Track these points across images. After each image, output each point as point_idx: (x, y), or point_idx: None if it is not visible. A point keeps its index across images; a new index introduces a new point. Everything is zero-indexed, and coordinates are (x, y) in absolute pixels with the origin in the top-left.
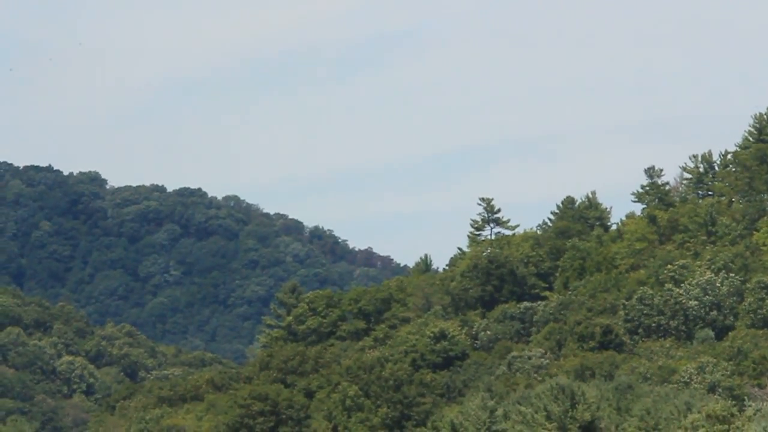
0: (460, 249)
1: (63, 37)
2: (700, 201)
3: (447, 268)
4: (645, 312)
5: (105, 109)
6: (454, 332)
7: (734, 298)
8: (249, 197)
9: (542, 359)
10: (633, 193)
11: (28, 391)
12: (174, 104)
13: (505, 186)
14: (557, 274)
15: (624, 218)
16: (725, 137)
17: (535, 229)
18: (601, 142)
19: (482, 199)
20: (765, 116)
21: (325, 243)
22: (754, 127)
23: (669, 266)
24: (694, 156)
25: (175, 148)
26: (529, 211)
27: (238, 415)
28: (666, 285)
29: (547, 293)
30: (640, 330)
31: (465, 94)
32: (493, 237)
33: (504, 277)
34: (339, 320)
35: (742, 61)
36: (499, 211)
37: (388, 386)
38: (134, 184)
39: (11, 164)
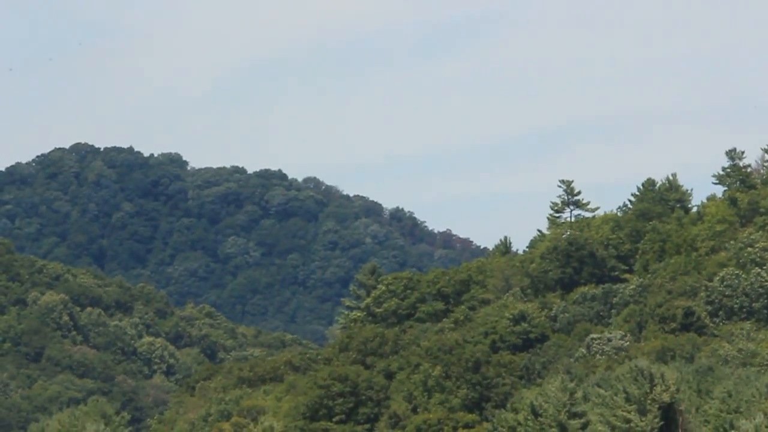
0: (539, 231)
1: (144, 19)
2: None
3: (527, 250)
4: (727, 294)
5: (186, 91)
6: (533, 314)
7: None
8: (329, 179)
9: (622, 341)
10: (714, 176)
11: (108, 372)
12: (255, 86)
13: (585, 168)
14: (637, 257)
15: (705, 200)
16: None
17: (615, 211)
18: (682, 124)
19: (562, 182)
20: None
21: (404, 225)
22: None
23: (750, 249)
24: None
25: (255, 129)
26: (609, 194)
27: (317, 396)
28: (748, 267)
29: (626, 275)
30: (721, 312)
31: (546, 75)
32: (573, 219)
33: (584, 260)
34: (418, 302)
35: None
36: (579, 193)
37: (468, 368)
38: (215, 166)
39: (93, 146)
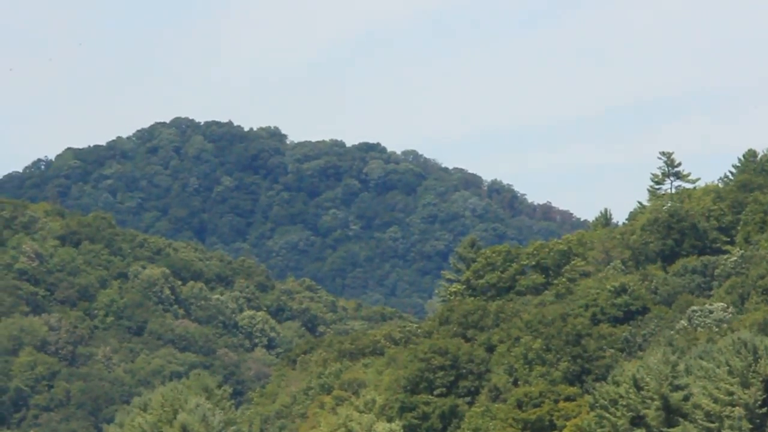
0: (640, 203)
1: None
2: None
3: (627, 222)
4: None
5: (285, 65)
6: (634, 286)
7: None
8: (428, 151)
9: (724, 313)
10: None
11: (210, 345)
12: (354, 59)
13: (686, 139)
14: (739, 228)
15: None
16: None
17: (716, 182)
18: None
19: (662, 153)
20: None
21: (503, 197)
22: None
23: None
24: None
25: (354, 102)
26: (710, 165)
27: (418, 369)
28: None
29: (728, 247)
30: None
31: (647, 46)
32: (674, 191)
33: (685, 231)
34: (518, 275)
35: None
36: (679, 164)
37: (569, 340)
38: (314, 140)
39: (193, 120)
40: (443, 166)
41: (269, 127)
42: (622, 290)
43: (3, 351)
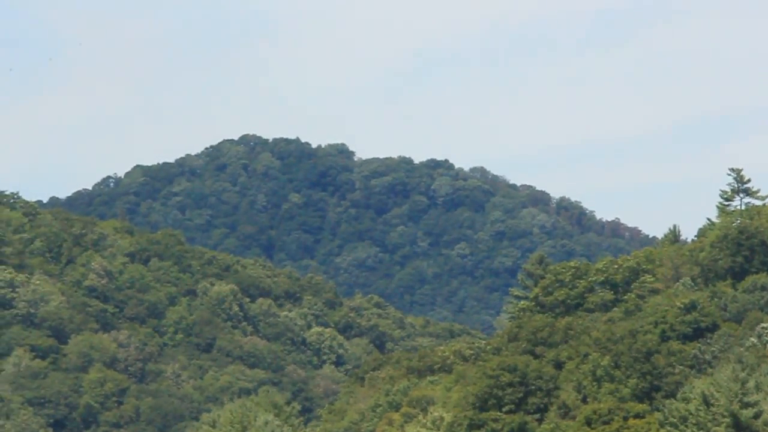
0: (709, 220)
1: (313, 10)
2: None
3: (696, 238)
4: None
5: (353, 82)
6: (703, 303)
7: None
8: (495, 168)
9: None
10: None
11: (278, 362)
12: (422, 75)
13: (755, 155)
14: None
15: None
16: None
17: None
18: None
19: (732, 170)
20: None
21: (571, 214)
22: None
23: None
24: None
25: (422, 119)
26: None
27: (486, 386)
28: None
29: None
30: None
31: (714, 63)
32: (743, 207)
33: (754, 248)
34: (586, 291)
35: None
36: (749, 181)
37: (638, 357)
38: (382, 156)
39: (261, 137)
40: (511, 182)
41: (337, 143)
42: (692, 307)
43: (73, 368)
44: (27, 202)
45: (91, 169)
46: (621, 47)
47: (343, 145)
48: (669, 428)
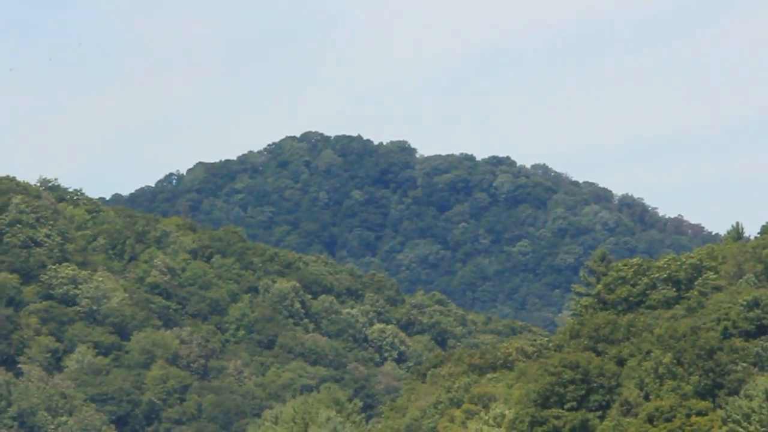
0: None
1: (376, 6)
2: None
3: (759, 235)
4: None
5: (415, 79)
6: (766, 300)
7: None
8: (557, 165)
9: None
10: None
11: (340, 359)
12: (483, 73)
13: None
14: None
15: None
16: None
17: None
18: None
19: None
20: None
21: (634, 211)
22: None
23: None
24: None
25: (484, 116)
26: None
27: (548, 383)
28: None
29: None
30: None
31: None
32: None
33: None
34: (649, 288)
35: None
36: None
37: (701, 355)
38: (443, 153)
39: (323, 134)
40: (573, 179)
41: (399, 140)
42: (755, 304)
43: (135, 364)
44: (90, 200)
45: (153, 167)
46: (682, 43)
47: (404, 142)
48: (732, 425)
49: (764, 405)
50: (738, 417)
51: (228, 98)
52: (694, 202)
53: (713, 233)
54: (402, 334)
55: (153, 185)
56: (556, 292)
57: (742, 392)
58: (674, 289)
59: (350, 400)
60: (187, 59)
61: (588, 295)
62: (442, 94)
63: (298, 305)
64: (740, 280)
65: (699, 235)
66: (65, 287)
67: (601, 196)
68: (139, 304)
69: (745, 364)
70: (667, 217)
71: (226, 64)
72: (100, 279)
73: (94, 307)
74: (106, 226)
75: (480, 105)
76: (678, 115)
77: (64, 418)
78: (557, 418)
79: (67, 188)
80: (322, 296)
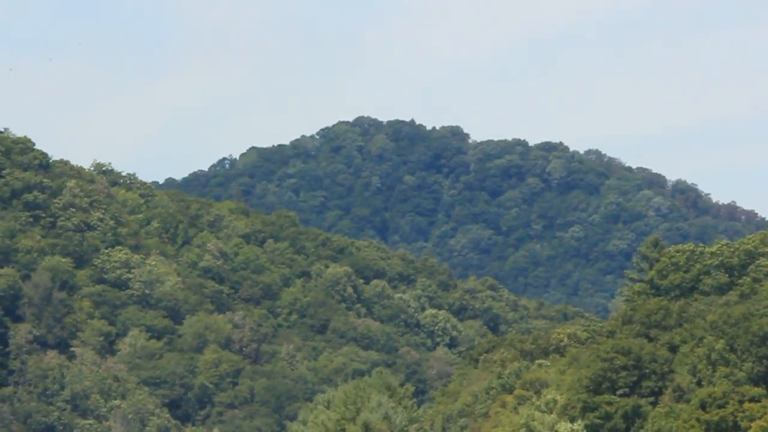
0: None
1: None
2: None
3: None
4: None
5: (468, 64)
6: None
7: None
8: (610, 151)
9: None
10: None
11: (392, 344)
12: (536, 58)
13: None
14: None
15: None
16: None
17: None
18: None
19: None
20: None
21: (687, 197)
22: None
23: None
24: None
25: (537, 102)
26: None
27: (600, 369)
28: None
29: None
30: None
31: None
32: None
33: None
34: (702, 274)
35: None
36: None
37: (754, 341)
38: (496, 139)
39: (376, 119)
40: (626, 165)
41: (451, 125)
42: None
43: (188, 348)
44: (144, 184)
45: (207, 151)
46: (736, 27)
47: (457, 127)
48: None
49: None
50: None
51: (281, 83)
52: (748, 188)
53: (767, 219)
54: (454, 319)
55: (206, 170)
56: (609, 278)
57: None
58: (727, 276)
59: (402, 384)
60: (242, 44)
61: (641, 281)
62: (495, 80)
63: (350, 290)
64: None
65: (752, 221)
66: (118, 271)
67: (654, 181)
68: (192, 288)
69: None
70: (720, 203)
71: (279, 49)
72: (153, 263)
73: (147, 291)
74: (159, 210)
75: (533, 90)
76: (732, 100)
77: (116, 402)
78: (609, 404)
79: (120, 172)
80: (375, 281)
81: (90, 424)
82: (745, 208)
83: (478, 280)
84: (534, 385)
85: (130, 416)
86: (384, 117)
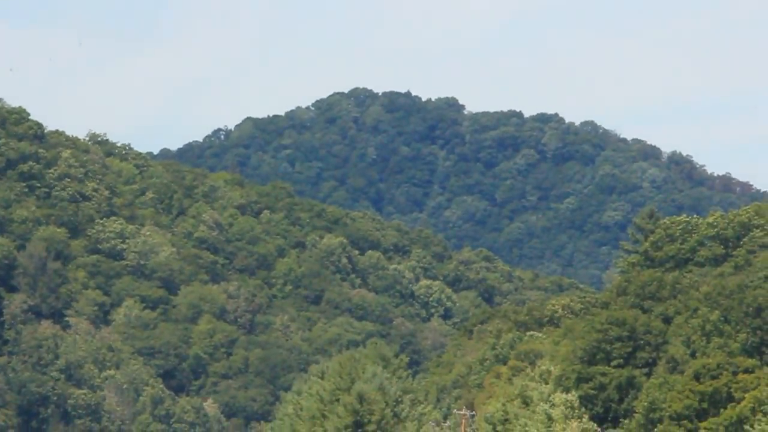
0: None
1: None
2: None
3: None
4: None
5: (462, 35)
6: None
7: None
8: (606, 122)
9: None
10: None
11: (387, 315)
12: (532, 29)
13: None
14: None
15: None
16: None
17: None
18: None
19: None
20: None
21: (682, 168)
22: None
23: None
24: None
25: (532, 73)
26: None
27: (595, 340)
28: None
29: None
30: None
31: None
32: None
33: None
34: (697, 246)
35: None
36: None
37: (748, 312)
38: (491, 110)
39: (371, 90)
40: (621, 136)
41: (447, 97)
42: None
43: (183, 319)
44: (138, 154)
45: (201, 121)
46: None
47: (453, 98)
48: None
49: None
50: None
51: (276, 54)
52: (743, 159)
53: (762, 191)
54: (448, 290)
55: (201, 140)
56: (603, 249)
57: None
58: (722, 247)
59: (396, 355)
60: (237, 14)
61: (635, 252)
62: (490, 51)
63: (345, 261)
64: None
65: (747, 192)
66: (113, 241)
67: (649, 153)
68: (187, 259)
69: None
70: (715, 174)
71: (274, 19)
72: (148, 233)
73: (142, 262)
74: (154, 181)
75: (528, 61)
76: (728, 72)
77: (111, 371)
78: (603, 374)
79: (115, 143)
80: (369, 252)
81: (84, 393)
82: (740, 179)
83: (472, 251)
84: (528, 356)
85: (124, 386)
86: (379, 88)
